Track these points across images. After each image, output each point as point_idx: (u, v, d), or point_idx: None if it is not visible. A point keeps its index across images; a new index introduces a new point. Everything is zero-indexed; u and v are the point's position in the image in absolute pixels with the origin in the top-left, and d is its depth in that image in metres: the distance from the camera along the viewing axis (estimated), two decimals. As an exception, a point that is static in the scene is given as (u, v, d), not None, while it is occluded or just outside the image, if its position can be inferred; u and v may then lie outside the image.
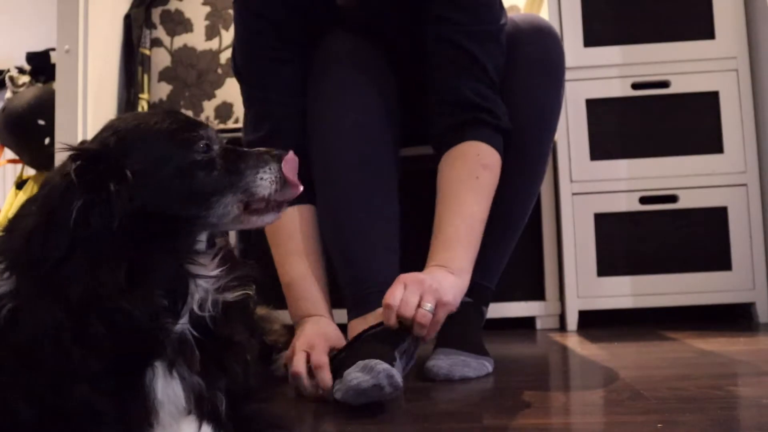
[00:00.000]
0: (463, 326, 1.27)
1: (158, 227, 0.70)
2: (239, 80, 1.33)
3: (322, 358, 1.05)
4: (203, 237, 0.77)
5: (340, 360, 1.03)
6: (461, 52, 1.20)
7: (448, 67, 1.22)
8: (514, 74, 1.26)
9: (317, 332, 1.13)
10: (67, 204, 0.66)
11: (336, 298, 1.23)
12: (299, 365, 1.06)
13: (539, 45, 1.28)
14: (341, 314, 1.21)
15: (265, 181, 0.78)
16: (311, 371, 1.05)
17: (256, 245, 1.46)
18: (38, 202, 0.70)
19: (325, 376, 1.03)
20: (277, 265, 1.24)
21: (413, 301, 1.02)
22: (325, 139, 1.23)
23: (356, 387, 0.92)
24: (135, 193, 0.69)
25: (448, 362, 1.20)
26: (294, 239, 1.23)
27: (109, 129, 0.76)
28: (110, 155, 0.70)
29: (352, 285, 1.18)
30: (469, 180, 1.17)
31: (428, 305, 1.03)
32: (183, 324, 0.70)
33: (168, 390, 0.68)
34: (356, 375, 0.93)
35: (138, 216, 0.68)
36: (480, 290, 1.30)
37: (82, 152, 0.71)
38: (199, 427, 0.70)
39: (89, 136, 2.35)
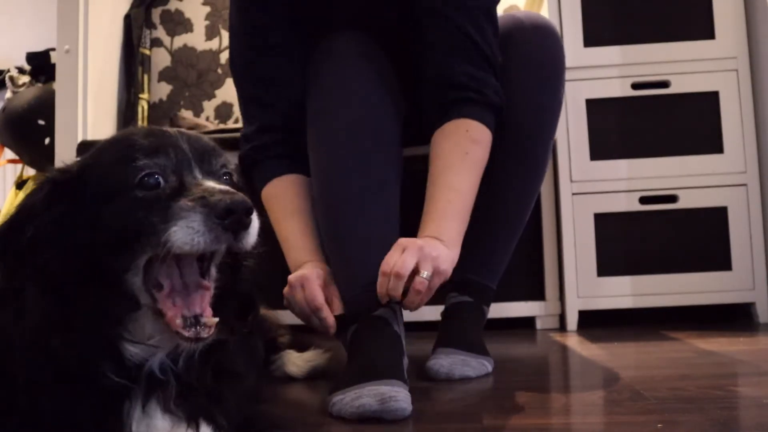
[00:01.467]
0: (464, 326, 1.27)
1: (90, 269, 0.67)
2: (232, 72, 1.38)
3: (316, 293, 1.12)
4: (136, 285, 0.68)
5: (345, 374, 1.01)
6: (452, 28, 1.20)
7: (439, 46, 1.22)
8: (514, 74, 1.26)
9: (310, 269, 1.17)
10: (27, 217, 0.67)
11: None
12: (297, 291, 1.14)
13: (540, 44, 1.28)
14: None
15: (178, 238, 0.64)
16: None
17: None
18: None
19: (326, 315, 1.12)
20: (274, 224, 1.28)
21: (410, 264, 1.03)
22: (328, 134, 1.22)
23: (360, 411, 0.91)
24: (89, 218, 0.67)
25: (449, 361, 1.20)
26: (288, 201, 1.29)
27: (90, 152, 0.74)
28: (75, 180, 0.69)
29: (347, 283, 1.17)
30: (459, 155, 1.18)
31: (425, 273, 1.03)
32: (150, 364, 0.68)
33: (143, 425, 0.66)
34: (366, 401, 0.91)
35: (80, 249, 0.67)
36: (481, 289, 1.30)
37: (57, 174, 0.71)
38: None
39: (89, 136, 2.36)
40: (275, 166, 1.32)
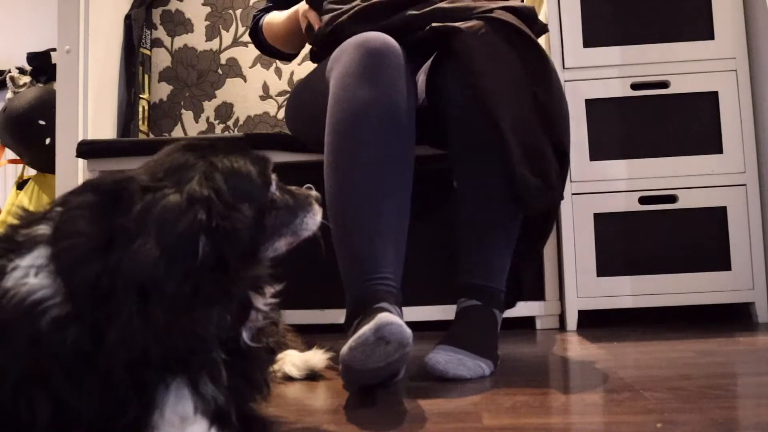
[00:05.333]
0: (470, 327, 1.27)
1: (238, 258, 0.71)
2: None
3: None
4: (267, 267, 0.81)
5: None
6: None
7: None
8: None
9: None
10: (194, 237, 0.66)
11: (336, 298, 1.23)
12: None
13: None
14: (339, 314, 1.21)
15: (309, 226, 0.86)
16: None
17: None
18: (148, 219, 0.66)
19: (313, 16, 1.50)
20: (275, 27, 1.73)
21: None
22: (344, 122, 1.23)
23: (360, 340, 0.98)
24: (239, 226, 0.72)
25: (445, 358, 1.20)
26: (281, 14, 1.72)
27: (198, 164, 0.74)
28: (224, 195, 0.72)
29: (351, 278, 1.18)
30: None
31: None
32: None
33: (177, 405, 0.69)
34: (364, 330, 0.99)
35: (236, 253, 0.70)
36: (488, 292, 1.30)
37: (213, 191, 0.72)
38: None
39: (89, 136, 2.35)
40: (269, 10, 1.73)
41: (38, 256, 0.67)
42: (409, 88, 1.27)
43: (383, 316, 0.99)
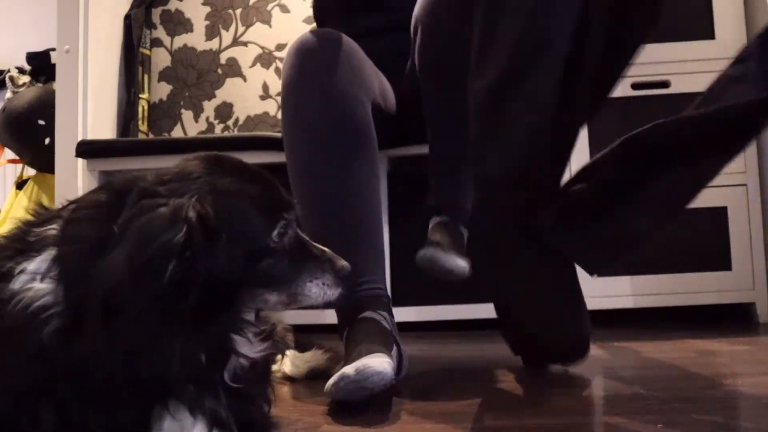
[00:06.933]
0: (446, 234, 1.34)
1: (214, 297, 0.66)
2: None
3: None
4: (252, 312, 0.75)
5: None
6: None
7: None
8: None
9: None
10: (165, 259, 0.61)
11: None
12: None
13: None
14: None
15: (312, 293, 0.76)
16: None
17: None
18: (131, 229, 0.63)
19: None
20: None
21: None
22: (296, 136, 1.23)
23: (340, 382, 0.97)
24: (217, 262, 0.65)
25: (431, 252, 1.27)
26: None
27: (202, 179, 0.69)
28: (210, 219, 0.65)
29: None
30: None
31: None
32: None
33: (175, 420, 0.67)
34: (346, 370, 0.98)
35: (206, 283, 0.64)
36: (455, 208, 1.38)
37: (200, 213, 0.65)
38: None
39: (89, 136, 2.35)
40: None
41: (46, 258, 0.65)
42: (360, 79, 1.25)
43: (363, 365, 0.97)
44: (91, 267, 0.62)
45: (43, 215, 0.72)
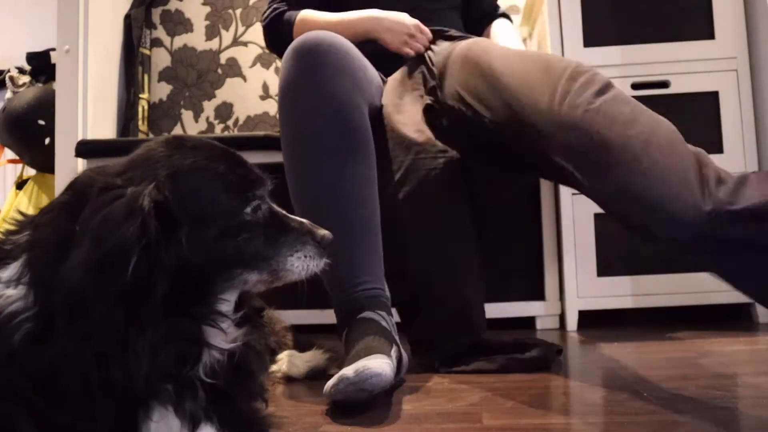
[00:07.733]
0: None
1: (185, 286, 0.64)
2: None
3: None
4: (230, 298, 0.71)
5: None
6: None
7: None
8: None
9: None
10: (124, 255, 0.59)
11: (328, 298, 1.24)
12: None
13: None
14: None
15: (295, 267, 0.73)
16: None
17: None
18: (88, 227, 0.61)
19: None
20: (318, 25, 1.46)
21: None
22: (293, 140, 1.23)
23: (339, 384, 0.96)
24: (183, 248, 0.63)
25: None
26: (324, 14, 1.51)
27: (160, 163, 0.67)
28: (170, 205, 0.63)
29: (337, 289, 1.19)
30: None
31: None
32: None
33: (161, 424, 0.65)
34: (346, 372, 0.97)
35: (173, 273, 0.62)
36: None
37: (156, 200, 0.62)
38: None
39: (89, 136, 2.35)
40: (300, 5, 1.54)
41: (18, 265, 0.65)
42: (357, 82, 1.25)
43: (362, 366, 0.96)
44: (57, 269, 0.61)
45: (21, 222, 0.71)
